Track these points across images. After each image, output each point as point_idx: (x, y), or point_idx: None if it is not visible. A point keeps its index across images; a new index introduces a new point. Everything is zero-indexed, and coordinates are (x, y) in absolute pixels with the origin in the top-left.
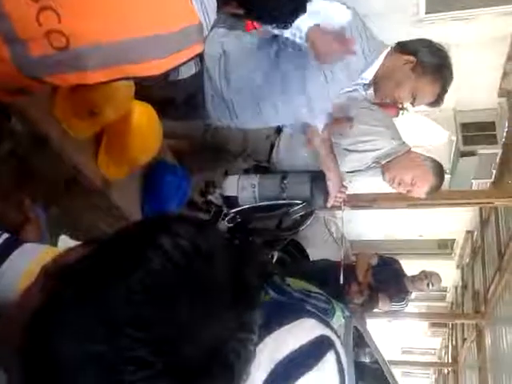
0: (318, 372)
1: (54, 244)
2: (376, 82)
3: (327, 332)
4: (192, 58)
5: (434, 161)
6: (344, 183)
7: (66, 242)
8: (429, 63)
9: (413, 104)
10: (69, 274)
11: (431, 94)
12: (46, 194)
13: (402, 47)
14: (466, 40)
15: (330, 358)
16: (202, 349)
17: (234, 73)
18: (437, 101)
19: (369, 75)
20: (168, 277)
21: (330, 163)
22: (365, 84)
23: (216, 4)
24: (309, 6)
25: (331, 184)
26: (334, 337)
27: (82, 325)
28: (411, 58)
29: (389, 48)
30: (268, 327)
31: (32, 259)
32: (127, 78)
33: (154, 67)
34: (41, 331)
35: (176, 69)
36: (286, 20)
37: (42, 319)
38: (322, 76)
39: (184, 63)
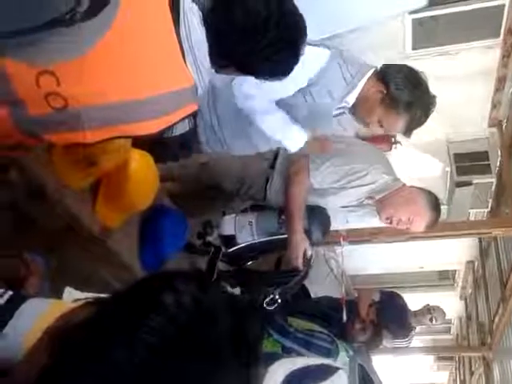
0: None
1: (59, 296)
2: (354, 105)
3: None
4: (185, 117)
5: (429, 194)
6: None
7: (71, 293)
8: (397, 98)
9: (384, 131)
10: (71, 336)
11: (396, 126)
12: (44, 244)
13: (380, 73)
14: (453, 73)
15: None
16: None
17: (222, 106)
18: (406, 132)
19: (351, 99)
20: (171, 335)
21: (296, 221)
22: (349, 107)
23: (210, 65)
24: None
25: (293, 245)
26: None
27: None
28: (382, 88)
29: (373, 69)
30: None
31: (38, 315)
32: (123, 137)
33: (148, 127)
34: None
35: (170, 127)
36: (284, 72)
37: (46, 381)
38: (306, 107)
39: (178, 122)
